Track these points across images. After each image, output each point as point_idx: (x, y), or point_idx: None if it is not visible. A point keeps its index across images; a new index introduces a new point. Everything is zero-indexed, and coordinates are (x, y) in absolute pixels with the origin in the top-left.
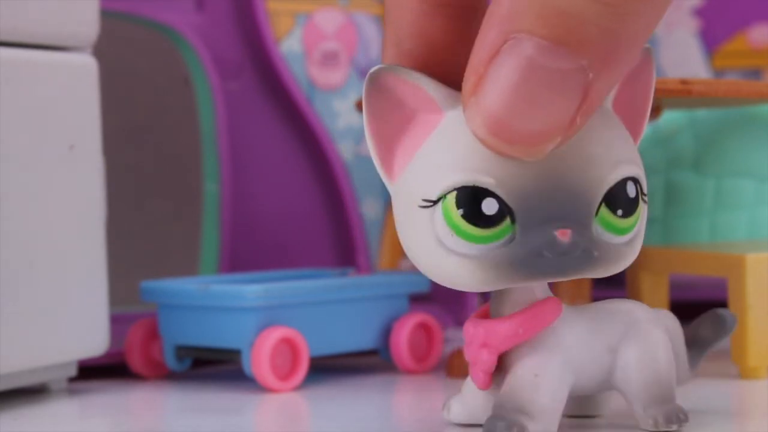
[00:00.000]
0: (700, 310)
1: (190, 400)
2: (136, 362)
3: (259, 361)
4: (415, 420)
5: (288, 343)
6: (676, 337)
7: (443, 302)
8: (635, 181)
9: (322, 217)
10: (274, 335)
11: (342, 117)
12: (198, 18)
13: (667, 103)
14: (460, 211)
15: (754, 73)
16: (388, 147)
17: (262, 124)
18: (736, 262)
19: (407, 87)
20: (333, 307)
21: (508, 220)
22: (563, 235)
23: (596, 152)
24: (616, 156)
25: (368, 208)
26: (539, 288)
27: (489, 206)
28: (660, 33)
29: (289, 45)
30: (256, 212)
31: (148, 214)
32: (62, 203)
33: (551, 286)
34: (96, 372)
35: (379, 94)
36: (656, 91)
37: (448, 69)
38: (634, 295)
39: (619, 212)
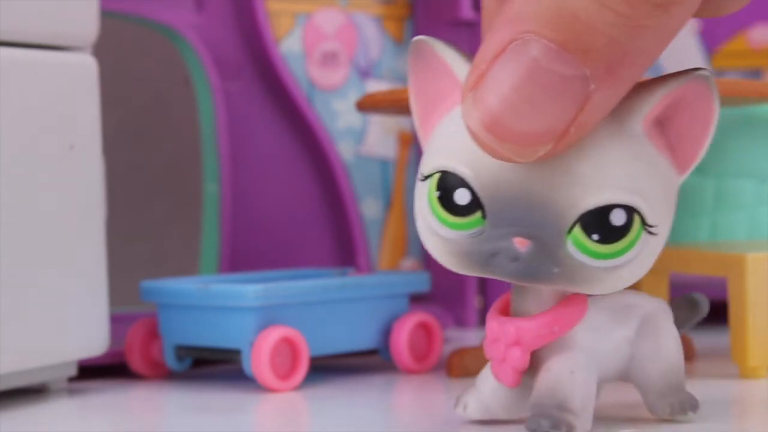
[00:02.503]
0: None
1: (190, 400)
2: (136, 362)
3: (259, 360)
4: (415, 420)
5: (288, 343)
6: None
7: (443, 302)
8: (629, 210)
9: (322, 217)
10: (274, 335)
11: (342, 117)
12: (198, 18)
13: None
14: (437, 194)
15: (754, 73)
16: (424, 112)
17: (262, 124)
18: (736, 262)
19: (440, 62)
20: (333, 306)
21: (479, 214)
22: (520, 244)
23: (581, 171)
24: (606, 180)
25: (368, 208)
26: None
27: (461, 196)
28: None
29: (289, 45)
30: (256, 212)
31: (148, 214)
32: (62, 203)
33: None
34: (96, 372)
35: (417, 61)
36: None
37: None
38: None
39: (595, 237)
